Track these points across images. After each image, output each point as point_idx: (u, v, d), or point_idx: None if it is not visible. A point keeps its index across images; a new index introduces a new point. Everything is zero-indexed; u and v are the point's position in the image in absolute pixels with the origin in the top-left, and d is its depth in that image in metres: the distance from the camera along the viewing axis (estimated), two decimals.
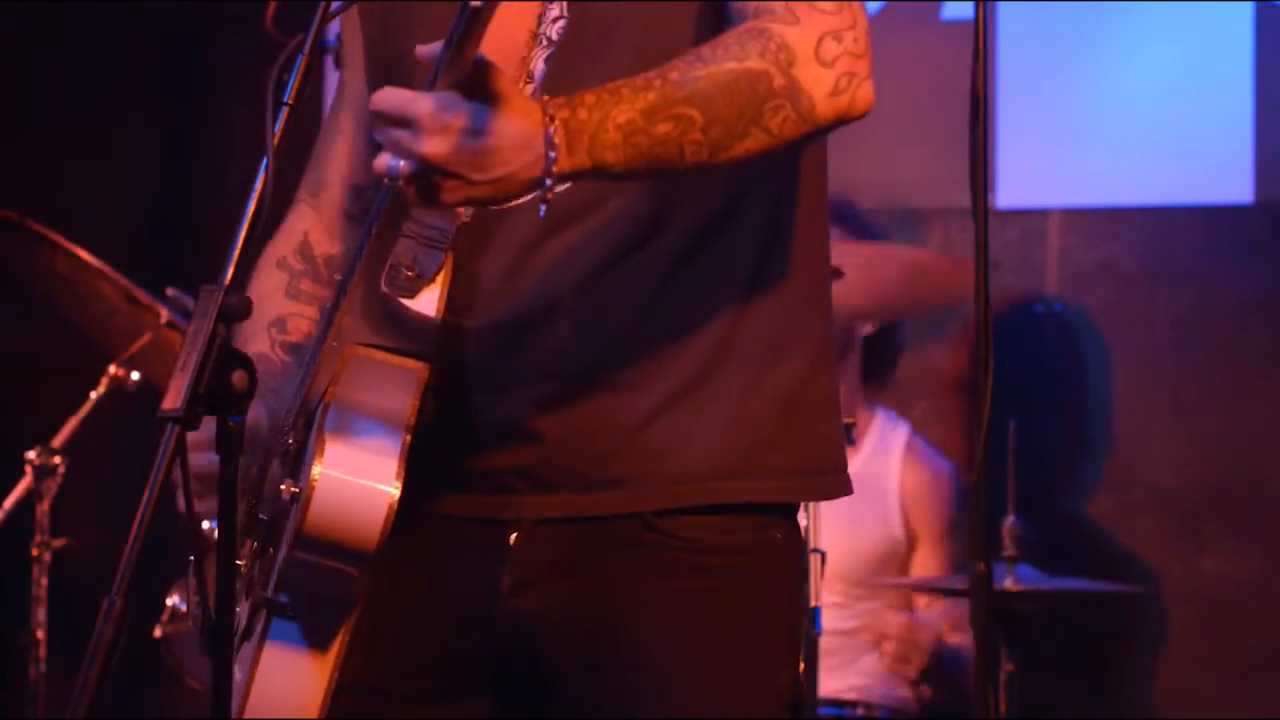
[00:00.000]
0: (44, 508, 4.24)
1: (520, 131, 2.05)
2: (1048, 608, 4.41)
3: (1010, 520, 4.14)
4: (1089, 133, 4.96)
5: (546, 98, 2.09)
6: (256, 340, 2.52)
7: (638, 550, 2.31)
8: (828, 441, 2.39)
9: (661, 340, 2.30)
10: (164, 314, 4.25)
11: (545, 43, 2.31)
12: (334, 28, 4.32)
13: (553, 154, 2.06)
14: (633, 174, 2.13)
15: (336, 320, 2.30)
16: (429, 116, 2.02)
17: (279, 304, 2.56)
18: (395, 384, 2.27)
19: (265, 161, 2.09)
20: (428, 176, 2.05)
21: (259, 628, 2.31)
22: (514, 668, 2.35)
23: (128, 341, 4.30)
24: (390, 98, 2.05)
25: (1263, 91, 4.82)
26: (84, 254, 4.26)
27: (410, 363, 2.27)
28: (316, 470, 2.22)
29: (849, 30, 2.18)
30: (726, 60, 2.13)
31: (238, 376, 2.02)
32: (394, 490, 2.22)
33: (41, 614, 4.23)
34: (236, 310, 2.03)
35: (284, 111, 2.13)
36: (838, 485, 2.40)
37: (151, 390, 4.26)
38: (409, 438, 2.25)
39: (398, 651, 2.36)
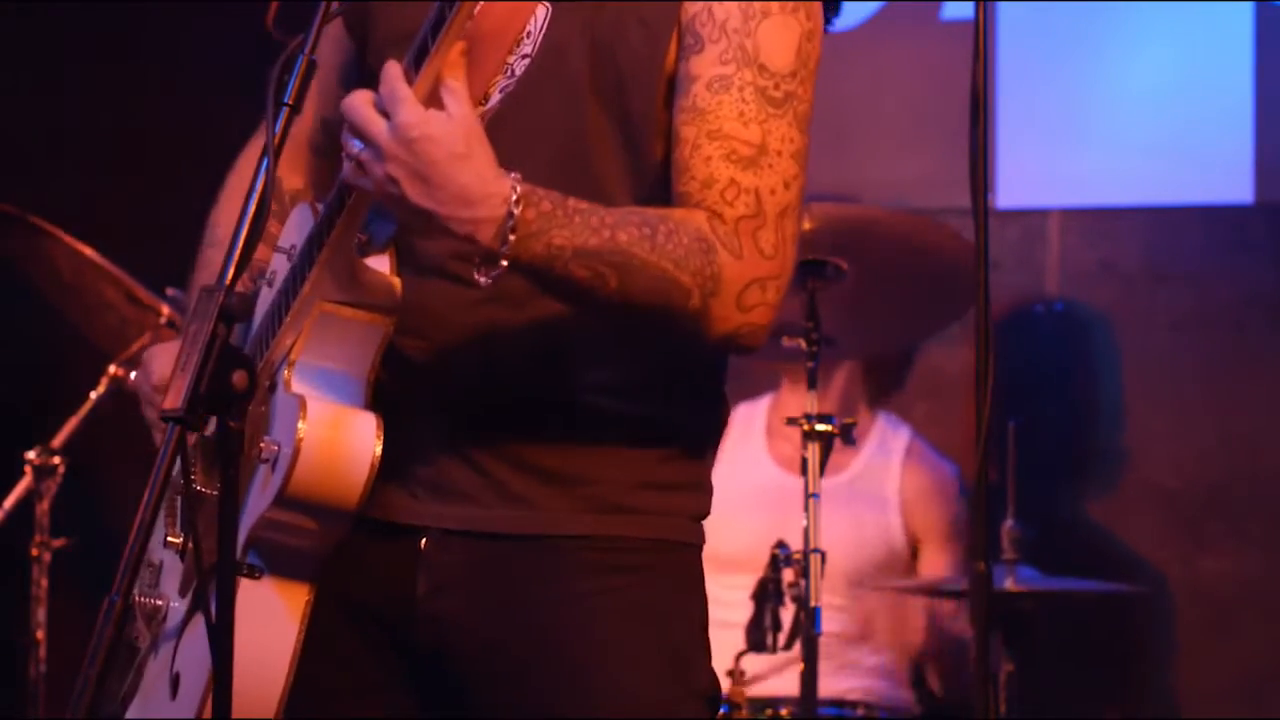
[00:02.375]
0: (44, 508, 4.23)
1: (478, 190, 2.15)
2: (1048, 608, 4.41)
3: (1009, 524, 4.14)
4: (1089, 133, 4.96)
5: (518, 176, 2.17)
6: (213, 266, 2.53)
7: (546, 553, 2.35)
8: (709, 494, 2.47)
9: (572, 374, 2.35)
10: (164, 313, 4.25)
11: (529, 48, 2.35)
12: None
13: (510, 237, 2.16)
14: (533, 281, 2.23)
15: (300, 290, 2.31)
16: (388, 142, 2.13)
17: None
18: (360, 340, 2.30)
19: (265, 161, 2.10)
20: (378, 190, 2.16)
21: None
22: (434, 667, 2.38)
23: (127, 341, 4.30)
24: (355, 113, 2.15)
25: (1263, 91, 4.82)
26: (85, 248, 4.26)
27: (375, 318, 2.30)
28: (301, 427, 2.23)
29: (774, 280, 2.29)
30: (667, 260, 2.22)
31: (238, 377, 2.03)
32: (377, 446, 2.25)
33: (41, 614, 4.23)
34: (236, 310, 2.04)
35: (284, 111, 2.14)
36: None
37: None
38: (368, 393, 2.28)
39: (315, 648, 2.35)
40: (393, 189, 2.15)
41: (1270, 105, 4.82)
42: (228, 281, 2.06)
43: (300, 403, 2.24)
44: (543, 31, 2.35)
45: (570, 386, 2.35)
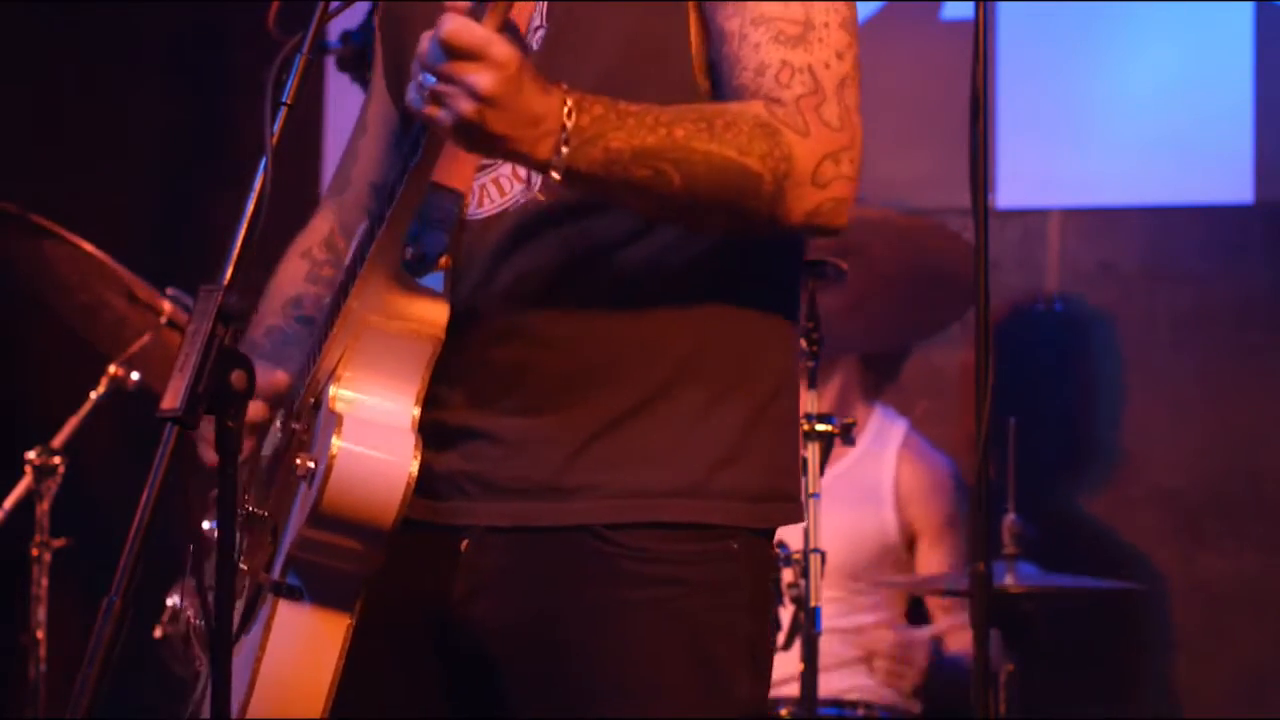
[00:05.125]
0: (44, 508, 4.23)
1: (540, 107, 2.10)
2: (1048, 606, 4.41)
3: (1010, 518, 4.14)
4: (1089, 133, 4.96)
5: (565, 86, 2.13)
6: (271, 317, 2.55)
7: (587, 559, 2.30)
8: (782, 468, 2.38)
9: (622, 354, 2.31)
10: (165, 311, 4.25)
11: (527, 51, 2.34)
12: (334, 28, 4.33)
13: (564, 149, 2.11)
14: (591, 193, 2.19)
15: (345, 305, 2.30)
16: (502, 59, 2.06)
17: (298, 286, 2.58)
18: (407, 357, 2.26)
19: (264, 161, 2.10)
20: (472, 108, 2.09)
21: (263, 615, 2.29)
22: (468, 672, 2.36)
23: (127, 341, 4.30)
24: (469, 32, 2.07)
25: (1263, 91, 4.82)
26: (86, 245, 4.25)
27: (423, 332, 2.26)
28: (335, 444, 2.21)
29: (847, 151, 2.25)
30: (729, 148, 2.17)
31: (237, 376, 2.03)
32: (413, 465, 2.21)
33: (41, 614, 4.23)
34: (235, 310, 2.04)
35: (283, 111, 2.14)
36: (786, 513, 2.39)
37: (151, 390, 4.26)
38: (418, 411, 2.25)
39: (355, 671, 2.33)
40: (475, 118, 2.08)
41: (1270, 105, 4.81)
42: (226, 281, 2.06)
43: (337, 420, 2.22)
44: None
45: (610, 367, 2.30)
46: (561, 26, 2.32)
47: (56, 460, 4.24)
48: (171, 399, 2.00)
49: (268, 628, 2.27)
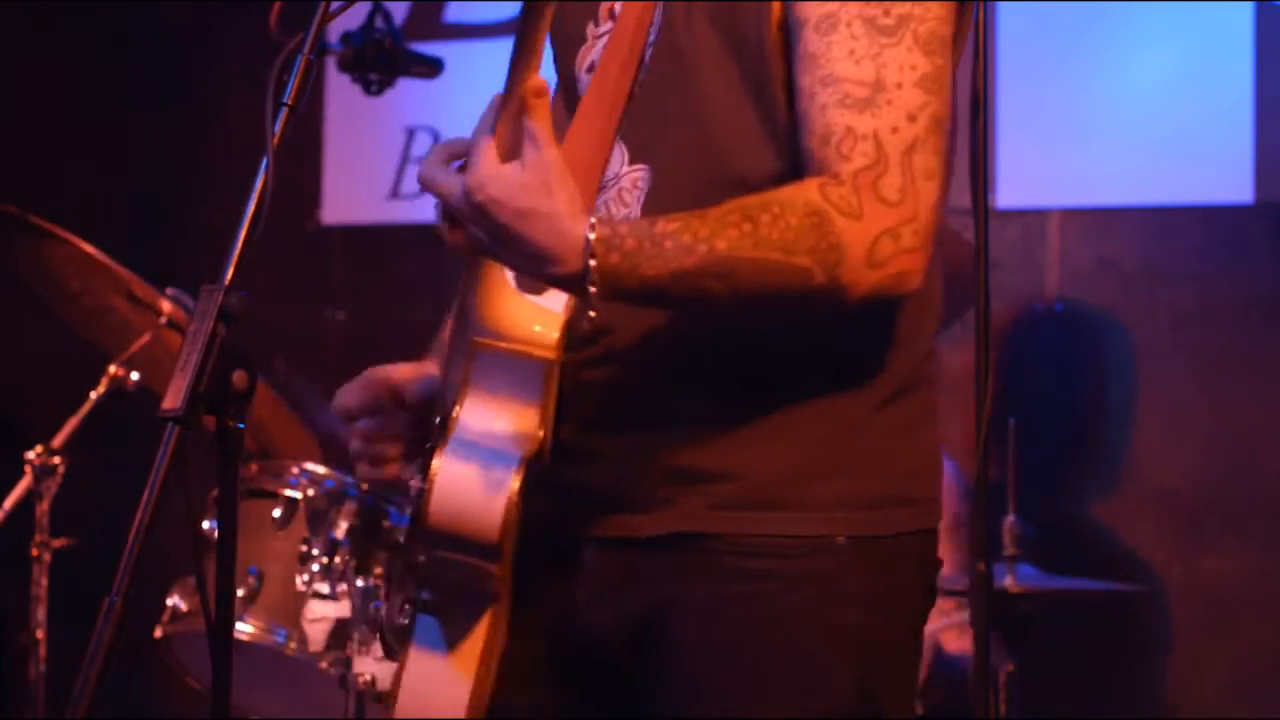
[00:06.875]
0: (44, 508, 4.23)
1: (552, 247, 2.10)
2: (1048, 608, 4.41)
3: (1010, 519, 4.14)
4: (1089, 133, 4.96)
5: (594, 221, 2.10)
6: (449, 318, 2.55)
7: (690, 558, 2.29)
8: (893, 472, 2.33)
9: (725, 367, 2.29)
10: (165, 310, 4.24)
11: (593, 42, 2.33)
12: (334, 29, 4.33)
13: (592, 289, 2.10)
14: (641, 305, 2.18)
15: (468, 318, 2.31)
16: (460, 206, 2.11)
17: None
18: (522, 376, 2.26)
19: (265, 162, 2.10)
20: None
21: (406, 627, 2.34)
22: (593, 678, 2.37)
23: (128, 342, 4.30)
24: (432, 181, 2.13)
25: (1263, 91, 4.82)
26: (86, 245, 4.25)
27: (539, 353, 2.26)
28: (435, 464, 2.22)
29: (909, 224, 2.14)
30: (774, 250, 2.11)
31: (238, 376, 2.03)
32: (513, 482, 2.21)
33: (41, 614, 4.23)
34: (236, 310, 2.03)
35: (283, 112, 2.14)
36: (898, 519, 2.32)
37: (151, 391, 4.26)
38: (543, 431, 2.25)
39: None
40: (482, 249, 2.14)
41: (1270, 105, 4.82)
42: (227, 281, 2.06)
43: (443, 440, 2.24)
44: (659, 17, 2.28)
45: (710, 382, 2.28)
46: (663, 48, 2.29)
47: (56, 460, 4.24)
48: (172, 399, 2.00)
49: (409, 641, 2.32)
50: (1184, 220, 4.93)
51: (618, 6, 1.96)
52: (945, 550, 4.70)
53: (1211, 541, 4.84)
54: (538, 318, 2.27)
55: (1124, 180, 4.93)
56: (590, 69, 2.34)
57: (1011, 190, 4.96)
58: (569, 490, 2.33)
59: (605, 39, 2.14)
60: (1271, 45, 4.83)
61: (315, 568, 3.95)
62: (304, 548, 3.98)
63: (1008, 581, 4.05)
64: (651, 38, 2.28)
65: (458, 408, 2.26)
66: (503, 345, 2.26)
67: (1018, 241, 5.00)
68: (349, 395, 2.44)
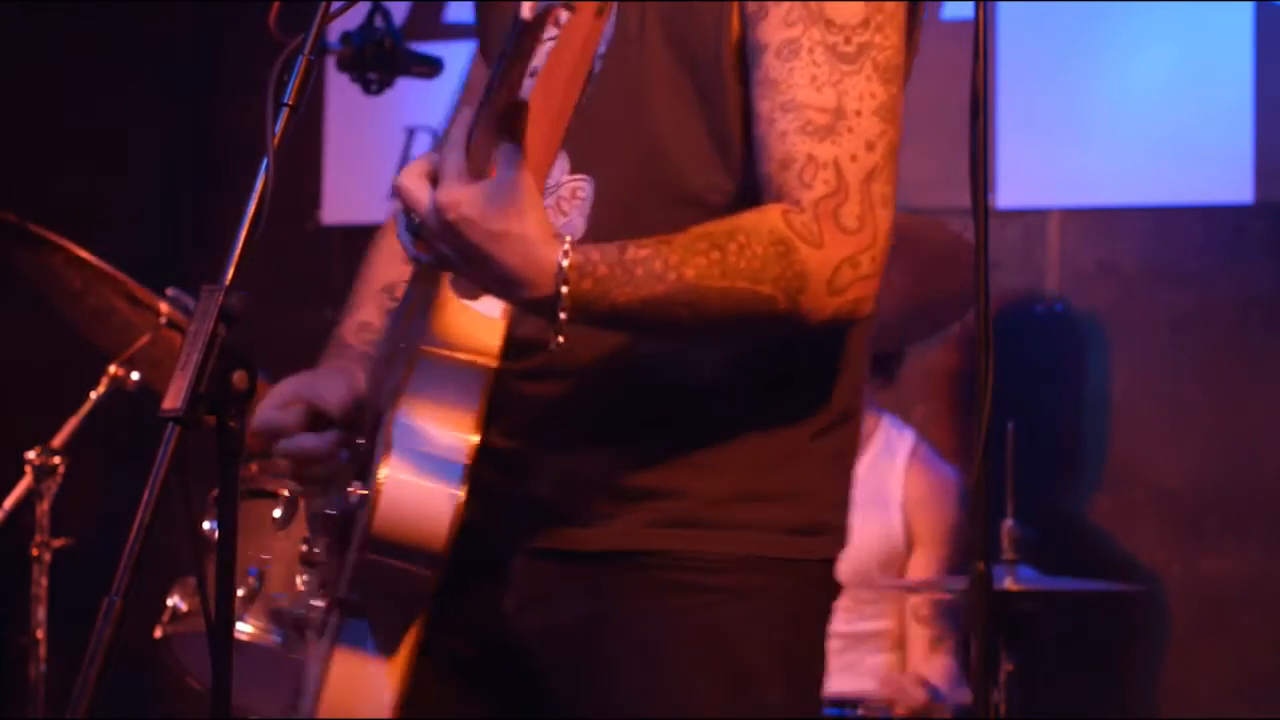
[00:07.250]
0: (44, 508, 4.23)
1: (524, 271, 2.09)
2: (1048, 608, 4.41)
3: (1009, 524, 4.14)
4: (1089, 133, 4.96)
5: (567, 248, 2.10)
6: (365, 306, 2.55)
7: (627, 572, 2.31)
8: (823, 500, 2.37)
9: (668, 389, 2.30)
10: (164, 311, 4.24)
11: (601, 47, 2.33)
12: (335, 29, 4.33)
13: (562, 315, 2.10)
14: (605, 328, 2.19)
15: (405, 322, 2.31)
16: (430, 223, 2.09)
17: (392, 269, 2.56)
18: (463, 385, 2.28)
19: (265, 162, 2.10)
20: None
21: (332, 626, 2.34)
22: (514, 686, 2.38)
23: (128, 341, 4.30)
24: (406, 193, 2.12)
25: (1263, 91, 4.82)
26: (85, 254, 4.25)
27: (482, 362, 2.28)
28: (382, 473, 2.23)
29: (866, 251, 2.18)
30: (741, 279, 2.13)
31: (238, 377, 2.03)
32: (459, 492, 2.23)
33: (41, 614, 4.23)
34: (236, 310, 2.04)
35: (284, 112, 2.14)
36: (820, 545, 2.37)
37: (151, 390, 4.26)
38: (476, 438, 2.26)
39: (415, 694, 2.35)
40: (448, 265, 2.14)
41: (1270, 105, 4.82)
42: (228, 281, 2.06)
43: (385, 449, 2.24)
44: (611, 29, 2.28)
45: (655, 401, 2.30)
46: (613, 61, 2.29)
47: (56, 460, 4.24)
48: (172, 399, 2.00)
49: (334, 641, 2.33)
50: (1184, 220, 4.93)
51: (563, 14, 1.97)
52: (934, 557, 4.70)
53: (1211, 542, 4.84)
54: (481, 326, 2.28)
55: (1124, 180, 4.93)
56: (533, 74, 2.34)
57: (1011, 190, 4.96)
58: (503, 499, 2.33)
59: (551, 44, 2.14)
60: (1271, 45, 4.83)
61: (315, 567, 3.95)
62: (304, 548, 3.98)
63: (1007, 583, 4.05)
64: (602, 49, 2.27)
65: (399, 413, 2.26)
66: (446, 354, 2.28)
67: (1018, 241, 5.00)
68: (270, 417, 2.41)
